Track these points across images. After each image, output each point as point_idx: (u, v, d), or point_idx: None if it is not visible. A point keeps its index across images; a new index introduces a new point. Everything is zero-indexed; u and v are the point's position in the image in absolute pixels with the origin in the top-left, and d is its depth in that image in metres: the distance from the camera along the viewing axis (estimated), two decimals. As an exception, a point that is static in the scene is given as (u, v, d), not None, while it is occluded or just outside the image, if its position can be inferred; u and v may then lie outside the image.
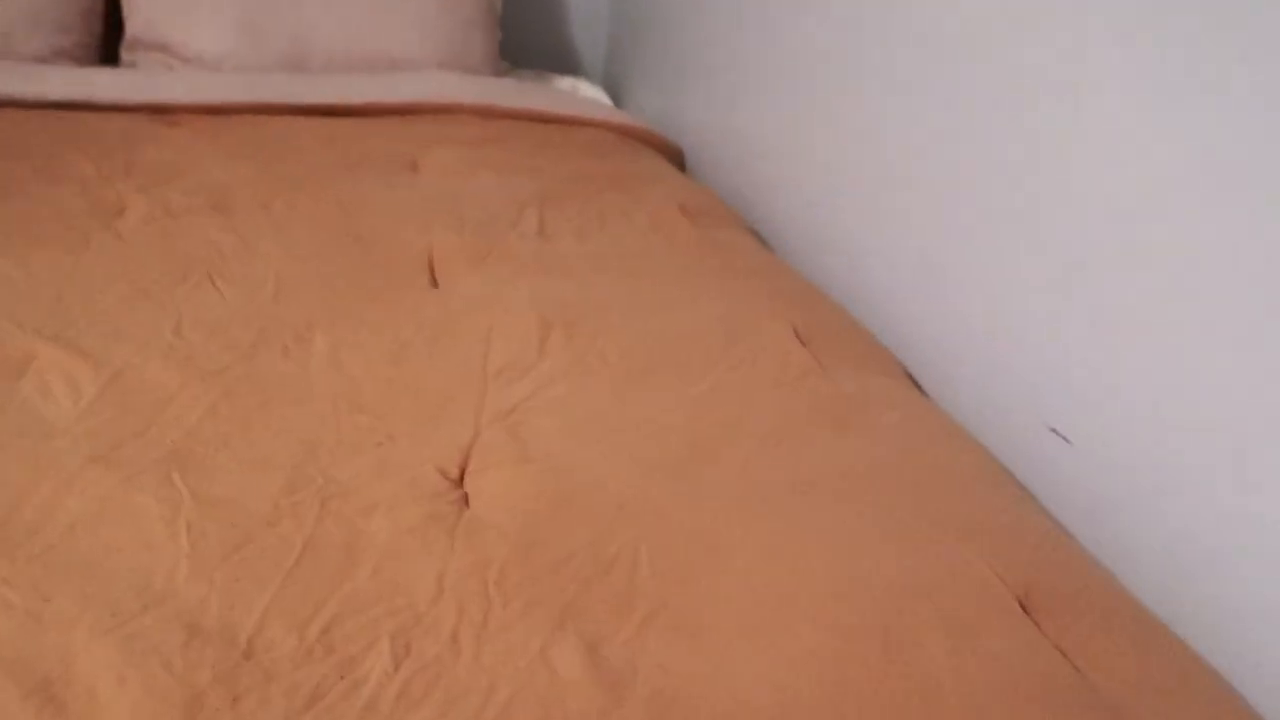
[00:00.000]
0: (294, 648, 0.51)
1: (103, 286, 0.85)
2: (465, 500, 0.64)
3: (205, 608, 0.53)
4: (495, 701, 0.49)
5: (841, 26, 1.14)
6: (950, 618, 0.56)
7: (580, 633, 0.53)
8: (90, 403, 0.69)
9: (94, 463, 0.62)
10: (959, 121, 0.92)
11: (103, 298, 0.84)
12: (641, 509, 0.64)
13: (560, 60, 2.01)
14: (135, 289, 0.86)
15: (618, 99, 1.92)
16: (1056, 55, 0.80)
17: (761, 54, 1.36)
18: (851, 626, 0.55)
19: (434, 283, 0.94)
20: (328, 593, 0.54)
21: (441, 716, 0.48)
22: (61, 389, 0.70)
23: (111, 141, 1.21)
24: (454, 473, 0.66)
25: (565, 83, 1.83)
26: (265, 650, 0.50)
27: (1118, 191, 0.73)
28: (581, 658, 0.52)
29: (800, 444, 0.72)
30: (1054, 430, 0.80)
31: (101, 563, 0.55)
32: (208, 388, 0.72)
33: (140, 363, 0.74)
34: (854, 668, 0.53)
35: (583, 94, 1.77)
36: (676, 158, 1.56)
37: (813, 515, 0.64)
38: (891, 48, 1.03)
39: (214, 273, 0.90)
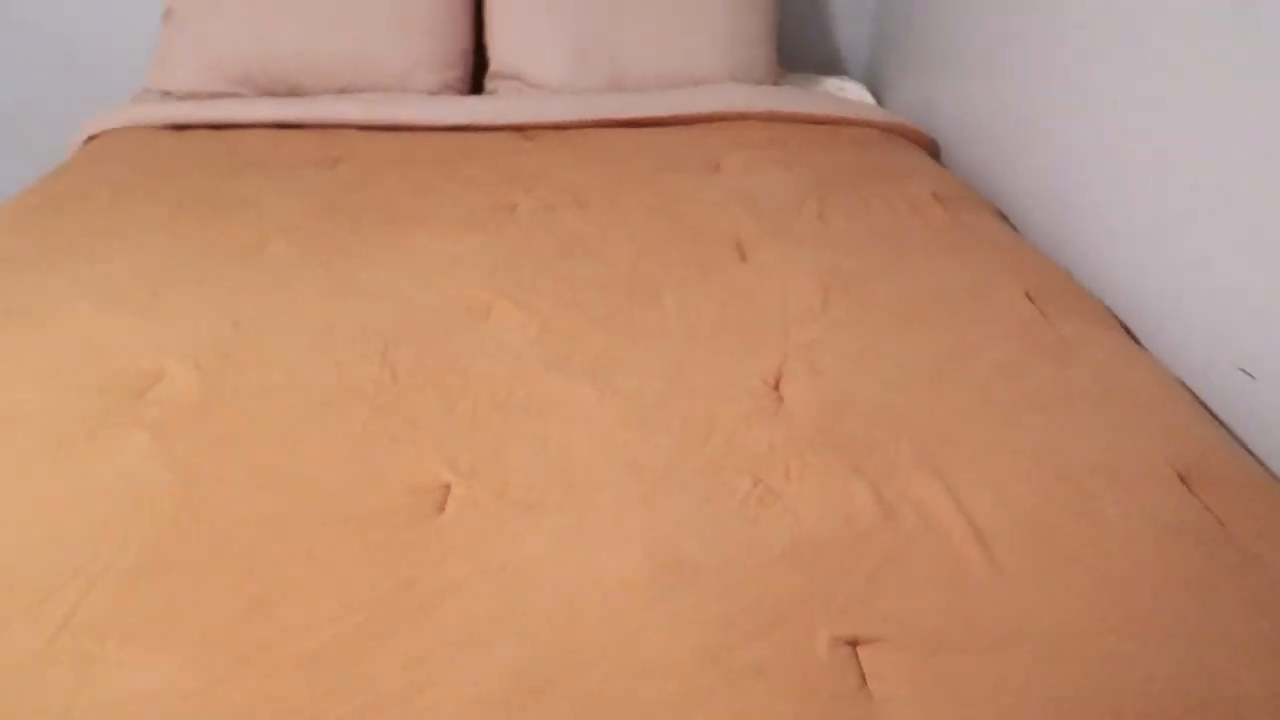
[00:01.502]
0: (698, 473, 0.84)
1: (518, 258, 1.24)
2: (780, 398, 0.95)
3: (637, 449, 0.87)
4: (812, 511, 0.80)
5: (1093, 14, 1.35)
6: (1121, 485, 0.81)
7: (863, 477, 0.83)
8: (535, 335, 1.06)
9: (548, 370, 0.99)
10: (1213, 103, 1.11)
11: (521, 265, 1.22)
12: (902, 410, 0.92)
13: (827, 62, 2.28)
14: (538, 261, 1.24)
15: (879, 95, 2.16)
16: None
17: (1012, 48, 1.57)
18: (1048, 487, 0.82)
19: (742, 257, 1.26)
20: (702, 445, 0.87)
21: (780, 516, 0.79)
22: (514, 327, 1.08)
23: (491, 153, 1.63)
24: (771, 381, 0.98)
25: (832, 83, 2.10)
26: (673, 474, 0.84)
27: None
28: (867, 490, 0.81)
29: (1024, 372, 0.98)
30: (1242, 370, 1.00)
31: (555, 431, 0.91)
32: (601, 328, 1.08)
33: (555, 311, 1.11)
34: (1050, 512, 0.79)
35: (848, 93, 2.04)
36: (932, 149, 1.79)
37: (1028, 416, 0.90)
38: (1148, 29, 1.21)
39: (587, 250, 1.27)
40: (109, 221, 1.32)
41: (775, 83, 1.94)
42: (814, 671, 0.65)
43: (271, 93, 1.81)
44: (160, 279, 1.16)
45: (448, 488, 0.83)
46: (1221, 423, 0.97)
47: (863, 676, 0.66)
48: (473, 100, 1.80)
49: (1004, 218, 1.48)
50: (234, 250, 1.24)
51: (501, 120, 1.72)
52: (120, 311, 1.08)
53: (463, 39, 1.88)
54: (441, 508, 0.81)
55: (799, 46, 2.24)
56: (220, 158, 1.56)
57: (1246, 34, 1.02)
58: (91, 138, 1.71)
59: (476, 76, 1.95)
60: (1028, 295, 1.14)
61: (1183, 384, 1.00)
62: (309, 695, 0.62)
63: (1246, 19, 1.01)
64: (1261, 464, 0.89)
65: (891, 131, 1.77)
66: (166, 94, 1.80)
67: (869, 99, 2.03)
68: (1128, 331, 1.13)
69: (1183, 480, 0.83)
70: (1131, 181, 1.22)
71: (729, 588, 0.72)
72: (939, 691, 0.64)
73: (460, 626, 0.68)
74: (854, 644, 0.68)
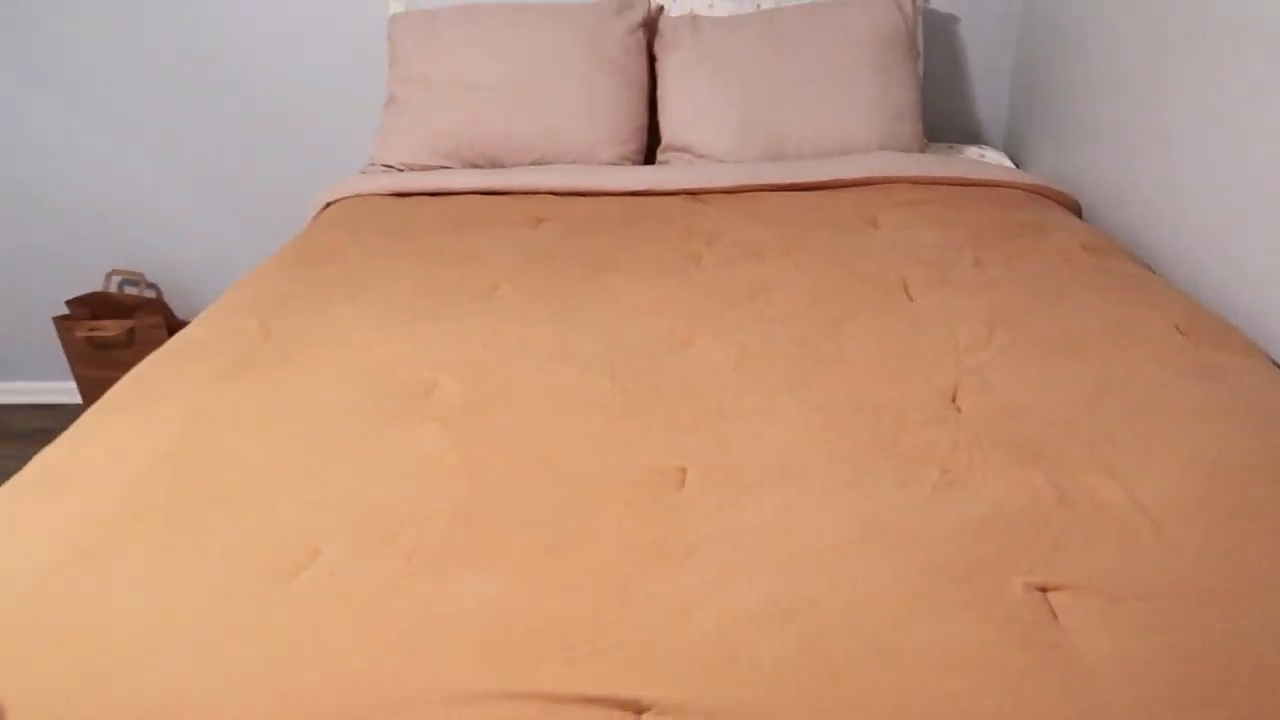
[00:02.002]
0: (892, 464, 0.99)
1: (710, 299, 1.43)
2: (958, 409, 1.10)
3: (837, 447, 1.03)
4: (996, 494, 0.94)
5: (1228, 77, 1.48)
6: (1274, 479, 0.93)
7: (1039, 469, 0.97)
8: (734, 360, 1.24)
9: (751, 386, 1.17)
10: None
11: (712, 305, 1.41)
12: (1069, 418, 1.06)
13: (969, 132, 2.44)
14: (727, 302, 1.43)
15: (1019, 162, 2.31)
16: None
17: (1149, 112, 1.71)
18: (1206, 479, 0.94)
19: (909, 298, 1.42)
20: (893, 444, 1.03)
21: (968, 498, 0.94)
22: (715, 353, 1.26)
23: (670, 214, 1.84)
24: (949, 396, 1.13)
25: (973, 151, 2.26)
26: (871, 465, 1.00)
27: None
28: (1044, 479, 0.95)
29: (1177, 389, 1.10)
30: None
31: (765, 431, 1.08)
32: (791, 354, 1.25)
33: (749, 340, 1.29)
34: (1210, 498, 0.91)
35: (989, 159, 2.19)
36: (1075, 209, 1.92)
37: (1183, 424, 1.03)
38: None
39: (769, 292, 1.45)
40: (364, 270, 1.58)
41: (921, 151, 2.11)
42: (1012, 607, 0.79)
43: (475, 165, 2.08)
44: (416, 314, 1.39)
45: (684, 471, 1.01)
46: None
47: (1053, 613, 0.79)
48: (650, 169, 2.03)
49: (1149, 268, 1.60)
50: (470, 292, 1.48)
51: (677, 186, 1.94)
52: (394, 338, 1.31)
53: (639, 118, 2.12)
54: (681, 485, 0.99)
55: (942, 118, 2.41)
56: (441, 219, 1.82)
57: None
58: (328, 204, 2.01)
59: (649, 150, 2.19)
60: (1177, 328, 1.27)
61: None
62: (602, 610, 0.80)
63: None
64: None
65: (1035, 193, 1.91)
66: (388, 167, 2.09)
67: (1009, 165, 2.18)
68: (1275, 364, 1.24)
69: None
70: (1274, 231, 1.34)
71: (930, 548, 0.87)
72: (1120, 624, 0.77)
73: (712, 569, 0.85)
74: (1044, 589, 0.82)
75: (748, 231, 1.73)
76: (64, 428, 2.71)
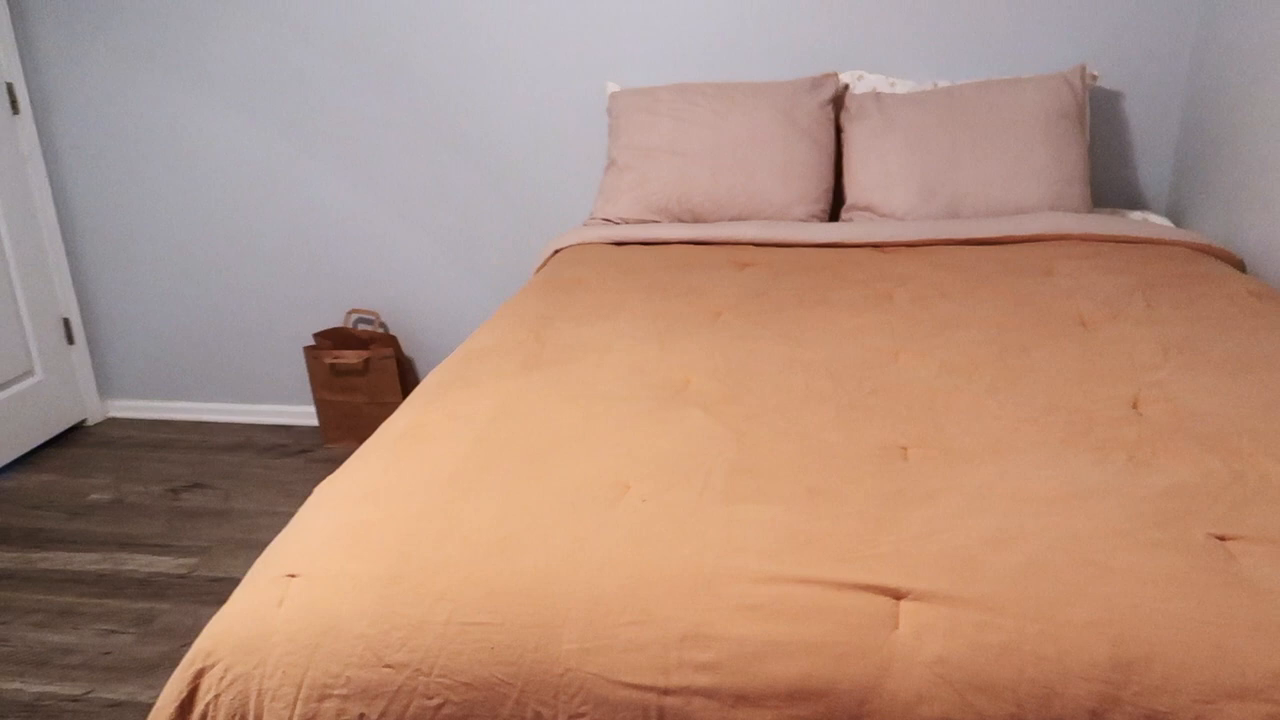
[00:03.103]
0: (1086, 449, 1.20)
1: (907, 328, 1.66)
2: (1140, 414, 1.30)
3: (1036, 435, 1.24)
4: (1178, 472, 1.13)
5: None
6: None
7: (1215, 456, 1.16)
8: (936, 371, 1.47)
9: (953, 390, 1.39)
10: None
11: (910, 332, 1.64)
12: (1240, 421, 1.24)
13: (1132, 198, 2.62)
14: (922, 330, 1.66)
15: (1181, 225, 2.47)
16: None
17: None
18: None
19: (1086, 329, 1.63)
20: (1085, 435, 1.23)
21: (1154, 474, 1.13)
22: (918, 366, 1.49)
23: (860, 262, 2.10)
24: (1130, 403, 1.33)
25: (1137, 215, 2.43)
26: (1068, 449, 1.21)
27: None
28: (1219, 463, 1.14)
29: (1341, 403, 1.27)
30: None
31: (973, 421, 1.30)
32: (985, 369, 1.47)
33: (947, 358, 1.52)
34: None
35: (1153, 221, 2.36)
36: (1239, 266, 2.08)
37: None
38: None
39: (959, 323, 1.68)
40: (606, 299, 1.89)
41: (1088, 212, 2.30)
42: (1196, 548, 0.99)
43: (682, 220, 2.39)
44: (659, 331, 1.68)
45: (905, 449, 1.24)
46: None
47: (1230, 554, 0.99)
48: (839, 225, 2.29)
49: (1314, 315, 1.75)
50: (700, 318, 1.76)
51: (865, 239, 2.20)
52: (646, 348, 1.60)
53: (827, 180, 2.39)
54: (905, 458, 1.22)
55: (1108, 185, 2.60)
56: (660, 262, 2.13)
57: None
58: (557, 250, 2.35)
59: (834, 209, 2.46)
60: (1342, 359, 1.43)
61: None
62: (863, 531, 1.04)
63: None
64: None
65: (1201, 250, 2.08)
66: (606, 220, 2.43)
67: (1171, 227, 2.34)
68: None
69: None
70: None
71: (1124, 504, 1.07)
72: (1289, 559, 0.96)
73: (946, 510, 1.08)
74: (1222, 538, 1.01)
75: (932, 276, 1.96)
76: (297, 443, 3.13)
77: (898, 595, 0.95)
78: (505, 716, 0.94)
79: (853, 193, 2.39)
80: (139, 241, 3.10)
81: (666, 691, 0.91)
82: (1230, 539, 1.01)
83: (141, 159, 2.99)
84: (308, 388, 3.17)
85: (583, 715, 0.92)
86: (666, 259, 2.16)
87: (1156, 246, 2.08)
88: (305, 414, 3.24)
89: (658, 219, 2.40)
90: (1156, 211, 2.59)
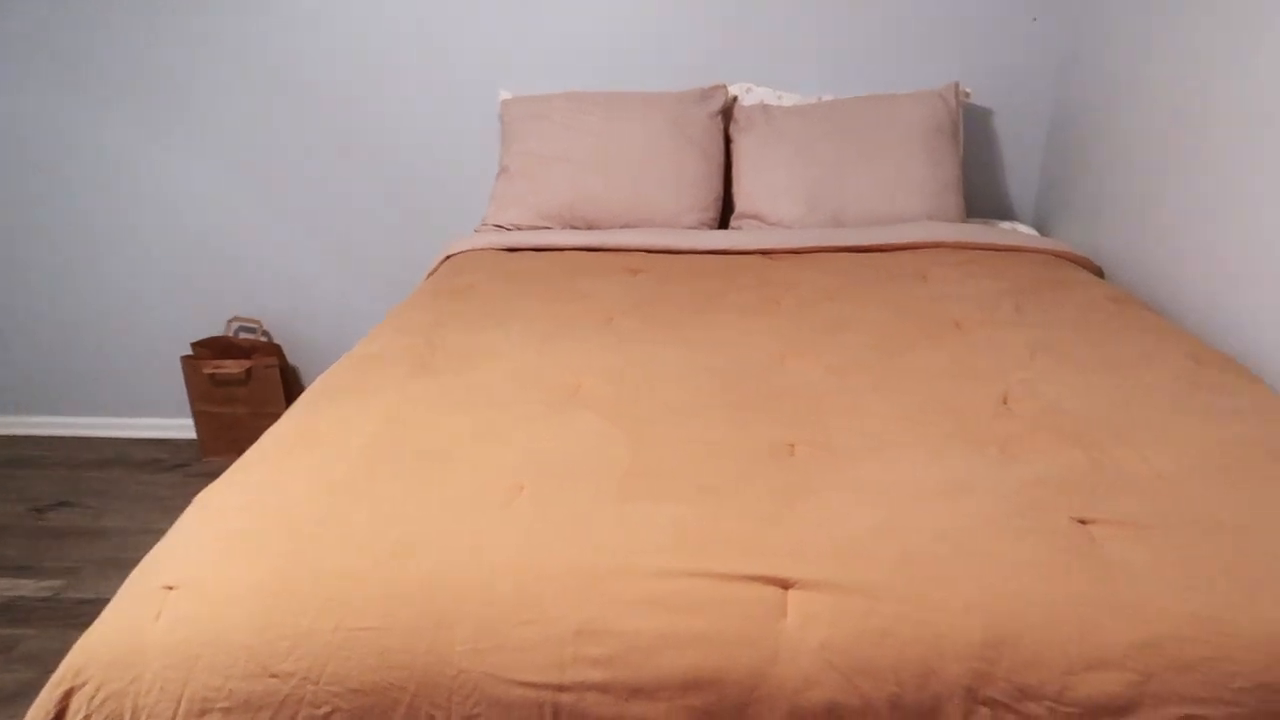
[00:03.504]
0: (961, 443, 1.26)
1: (794, 331, 1.71)
2: (1009, 409, 1.37)
3: (915, 432, 1.30)
4: (1044, 463, 1.20)
5: (1244, 154, 1.78)
6: (1263, 453, 1.19)
7: (1078, 447, 1.23)
8: (822, 374, 1.51)
9: (840, 390, 1.44)
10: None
11: (797, 335, 1.69)
12: (1101, 415, 1.32)
13: (1001, 209, 2.76)
14: (809, 333, 1.71)
15: (1046, 234, 2.61)
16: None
17: (1165, 188, 2.01)
18: (1206, 453, 1.20)
19: (961, 332, 1.70)
20: (959, 430, 1.30)
21: (1023, 465, 1.20)
22: (806, 369, 1.54)
23: (748, 269, 2.14)
24: (1001, 399, 1.40)
25: (1006, 224, 2.56)
26: (945, 444, 1.26)
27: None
28: (1081, 454, 1.22)
29: (1187, 399, 1.37)
30: (1360, 403, 1.36)
31: (856, 419, 1.35)
32: (869, 369, 1.52)
33: (833, 360, 1.57)
34: (1209, 465, 1.17)
35: (1020, 231, 2.49)
36: (1097, 272, 2.21)
37: (1190, 420, 1.29)
38: None
39: (844, 326, 1.73)
40: (498, 304, 1.88)
41: (962, 222, 2.41)
42: (1059, 532, 1.05)
43: (574, 227, 2.40)
44: (552, 336, 1.68)
45: (793, 446, 1.28)
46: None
47: (1092, 537, 1.05)
48: (727, 233, 2.34)
49: (1166, 316, 1.87)
50: (592, 322, 1.77)
51: (753, 246, 2.25)
52: (538, 353, 1.60)
53: (716, 190, 2.44)
54: (793, 455, 1.25)
55: (980, 196, 2.73)
56: (552, 268, 2.13)
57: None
58: (448, 256, 2.32)
59: (723, 217, 2.51)
60: (1188, 356, 1.54)
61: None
62: (754, 526, 1.06)
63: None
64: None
65: (1062, 258, 2.20)
66: (499, 226, 2.42)
67: (1037, 236, 2.48)
68: (1267, 386, 1.50)
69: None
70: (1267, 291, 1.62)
71: (997, 496, 1.13)
72: (1140, 543, 1.02)
73: (832, 505, 1.11)
74: (1084, 522, 1.08)
75: (818, 282, 2.02)
76: (174, 457, 3.01)
77: (786, 585, 0.98)
78: (397, 722, 0.92)
79: (741, 201, 2.44)
80: (1, 245, 2.93)
81: (561, 688, 0.91)
82: (1091, 523, 1.08)
83: (3, 159, 2.83)
84: (185, 399, 3.04)
85: (477, 716, 0.92)
86: (558, 265, 2.16)
87: (1024, 254, 2.20)
88: (183, 427, 3.11)
89: (550, 225, 2.41)
90: (1024, 221, 2.73)
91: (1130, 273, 2.16)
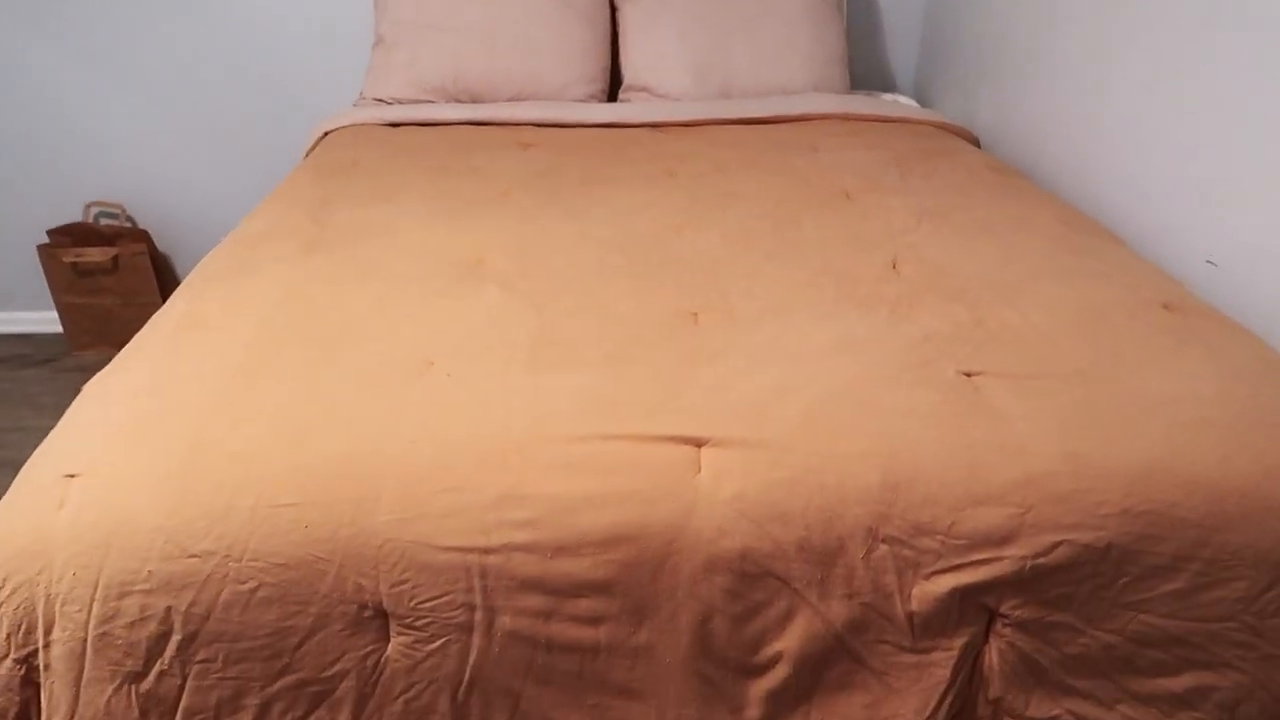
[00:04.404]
0: (854, 305, 1.32)
1: (689, 203, 1.72)
2: (898, 273, 1.43)
3: (811, 296, 1.35)
4: (931, 322, 1.27)
5: (1111, 26, 1.85)
6: (1125, 309, 1.28)
7: (961, 304, 1.31)
8: (719, 242, 1.54)
9: (736, 258, 1.47)
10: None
11: (692, 206, 1.70)
12: (983, 276, 1.40)
13: (883, 80, 2.80)
14: (704, 204, 1.72)
15: (925, 105, 2.67)
16: None
17: (1037, 62, 2.08)
18: (1077, 310, 1.29)
19: (850, 200, 1.75)
20: (852, 292, 1.35)
21: (911, 324, 1.26)
22: (702, 238, 1.56)
23: (640, 142, 2.13)
24: (890, 264, 1.46)
25: (889, 96, 2.61)
26: (838, 306, 1.32)
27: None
28: (965, 311, 1.29)
29: (1056, 260, 1.46)
30: (1209, 261, 1.48)
31: (756, 287, 1.39)
32: (764, 239, 1.56)
33: (728, 229, 1.59)
34: (1081, 319, 1.26)
35: (902, 103, 2.54)
36: (974, 142, 2.29)
37: (1062, 280, 1.38)
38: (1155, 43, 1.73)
39: (737, 197, 1.76)
40: (386, 180, 1.82)
41: (848, 94, 2.44)
42: (947, 384, 1.12)
43: (458, 100, 2.32)
44: (446, 211, 1.65)
45: (695, 314, 1.31)
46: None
47: (976, 388, 1.13)
48: (616, 105, 2.31)
49: (1036, 183, 1.97)
50: (488, 197, 1.74)
51: (644, 119, 2.23)
52: (434, 228, 1.57)
53: (603, 61, 2.39)
54: (696, 322, 1.29)
55: (863, 69, 2.76)
56: (440, 143, 2.07)
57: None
58: (326, 133, 2.22)
59: (612, 90, 2.46)
60: (1059, 221, 1.63)
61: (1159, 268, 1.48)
62: (663, 388, 1.09)
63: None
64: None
65: (942, 129, 2.27)
66: (379, 100, 2.32)
67: (918, 107, 2.54)
68: (1129, 247, 1.61)
69: (1165, 308, 1.30)
70: (1136, 158, 1.72)
71: (888, 352, 1.19)
72: (1020, 391, 1.11)
73: (736, 365, 1.15)
74: (969, 374, 1.15)
75: (710, 154, 2.03)
76: (39, 352, 2.85)
77: (698, 443, 1.02)
78: (325, 592, 0.94)
79: (629, 73, 2.40)
80: None
81: (488, 550, 0.94)
82: (975, 375, 1.15)
83: None
84: (46, 291, 2.86)
85: (405, 582, 0.94)
86: (446, 140, 2.10)
87: (906, 125, 2.25)
88: (46, 320, 2.94)
89: (433, 99, 2.32)
90: (905, 93, 2.79)
91: (1006, 143, 2.25)
